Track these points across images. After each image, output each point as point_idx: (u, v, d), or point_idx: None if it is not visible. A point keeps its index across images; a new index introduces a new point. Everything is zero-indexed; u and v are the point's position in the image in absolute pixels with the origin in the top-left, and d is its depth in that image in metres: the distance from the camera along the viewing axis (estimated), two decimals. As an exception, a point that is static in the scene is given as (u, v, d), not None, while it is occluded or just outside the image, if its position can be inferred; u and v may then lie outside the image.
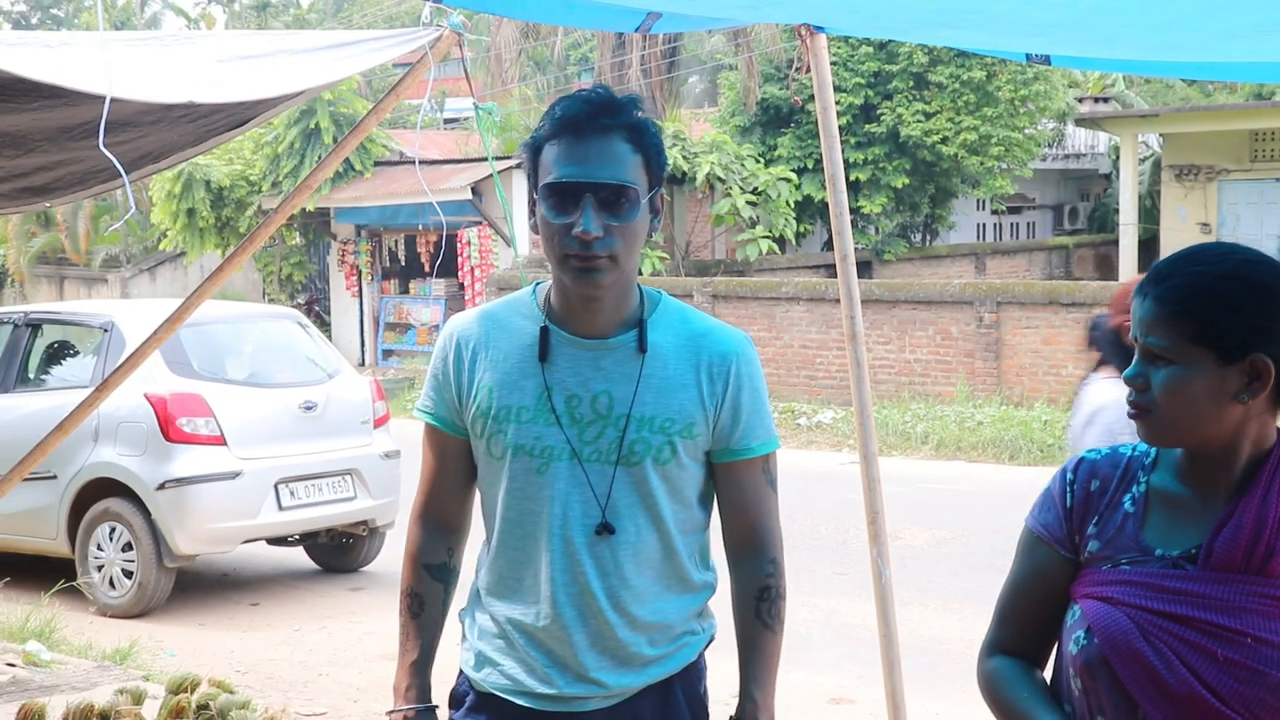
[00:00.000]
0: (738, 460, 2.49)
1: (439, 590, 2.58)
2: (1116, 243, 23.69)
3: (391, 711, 2.55)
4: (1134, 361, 2.00)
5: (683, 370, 2.44)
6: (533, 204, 2.43)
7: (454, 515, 2.58)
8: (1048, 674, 2.16)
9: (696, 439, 2.45)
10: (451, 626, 2.63)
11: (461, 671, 2.57)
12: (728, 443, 2.47)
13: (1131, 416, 2.01)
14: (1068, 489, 2.12)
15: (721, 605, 2.58)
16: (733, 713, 2.54)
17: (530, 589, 2.45)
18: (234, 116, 4.53)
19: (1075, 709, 2.05)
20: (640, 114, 2.40)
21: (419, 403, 2.57)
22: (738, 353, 2.47)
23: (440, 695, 2.60)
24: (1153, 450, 2.09)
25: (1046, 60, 4.16)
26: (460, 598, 2.64)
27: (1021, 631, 2.15)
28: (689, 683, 2.53)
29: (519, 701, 2.46)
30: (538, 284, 2.52)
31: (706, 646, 2.59)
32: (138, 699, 5.45)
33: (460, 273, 20.83)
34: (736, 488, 2.51)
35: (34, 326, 9.40)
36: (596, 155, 2.32)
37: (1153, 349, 1.96)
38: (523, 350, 2.44)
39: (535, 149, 2.40)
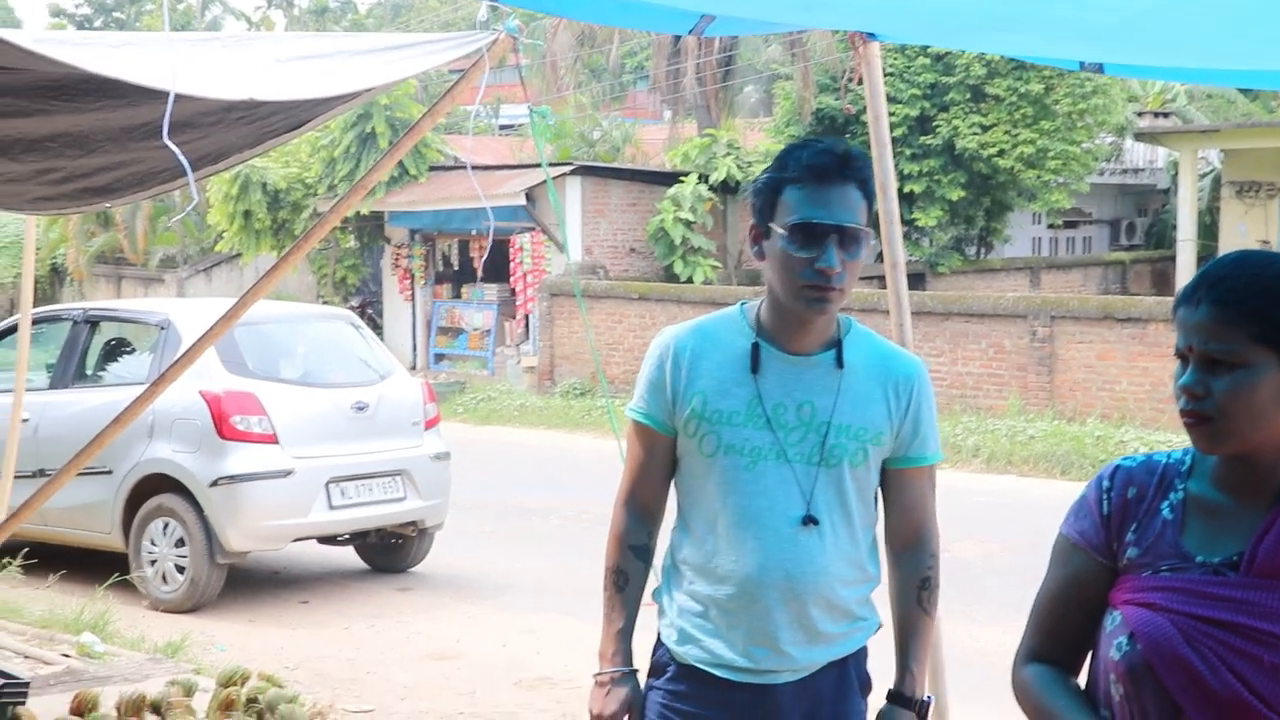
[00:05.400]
0: (911, 467, 2.84)
1: (641, 568, 2.89)
2: (1174, 259, 23.43)
3: (599, 674, 2.86)
4: (1188, 370, 1.98)
5: (873, 387, 2.78)
6: (755, 234, 2.75)
7: (655, 503, 2.90)
8: (1081, 679, 2.16)
9: (882, 446, 2.79)
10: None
11: (663, 644, 2.85)
12: (906, 451, 2.82)
13: (1188, 425, 1.99)
14: (1104, 496, 2.11)
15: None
16: (892, 685, 2.86)
17: (736, 572, 2.73)
18: (291, 118, 4.59)
19: (1115, 715, 2.04)
20: (866, 167, 2.72)
21: (632, 404, 2.88)
22: (919, 375, 2.85)
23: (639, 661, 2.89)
24: (1188, 458, 2.09)
25: (1100, 68, 4.14)
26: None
27: (1057, 639, 2.15)
28: (859, 663, 2.87)
29: (718, 674, 2.76)
30: (744, 304, 2.85)
31: (874, 634, 2.89)
32: (188, 691, 5.54)
33: (512, 278, 20.91)
34: (908, 490, 2.85)
35: (92, 323, 9.54)
36: (839, 202, 2.66)
37: (1213, 354, 1.95)
38: (735, 361, 2.77)
39: (774, 188, 2.70)
